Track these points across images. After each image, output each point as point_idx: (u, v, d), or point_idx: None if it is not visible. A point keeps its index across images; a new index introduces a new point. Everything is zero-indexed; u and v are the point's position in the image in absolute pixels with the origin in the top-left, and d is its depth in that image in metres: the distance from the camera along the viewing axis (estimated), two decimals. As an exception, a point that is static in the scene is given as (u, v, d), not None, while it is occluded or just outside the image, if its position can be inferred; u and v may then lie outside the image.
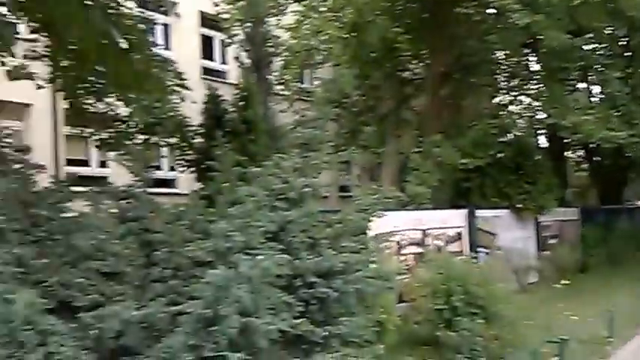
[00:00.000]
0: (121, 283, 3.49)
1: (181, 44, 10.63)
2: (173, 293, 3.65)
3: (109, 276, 3.45)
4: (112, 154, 6.63)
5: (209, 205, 4.46)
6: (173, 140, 7.35)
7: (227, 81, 11.36)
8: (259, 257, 2.83)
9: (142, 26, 4.13)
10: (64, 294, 3.15)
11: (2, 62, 3.15)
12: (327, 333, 3.26)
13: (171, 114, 6.59)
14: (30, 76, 3.40)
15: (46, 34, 4.43)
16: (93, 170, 10.24)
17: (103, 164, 12.32)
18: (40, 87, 4.15)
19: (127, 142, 5.86)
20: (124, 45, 3.34)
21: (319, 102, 8.68)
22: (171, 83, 5.34)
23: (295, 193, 3.63)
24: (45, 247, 3.32)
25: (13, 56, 3.25)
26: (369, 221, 3.92)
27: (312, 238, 3.60)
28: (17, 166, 3.32)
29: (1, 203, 2.88)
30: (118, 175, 5.69)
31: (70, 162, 10.09)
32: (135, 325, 3.13)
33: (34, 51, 4.00)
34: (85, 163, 12.07)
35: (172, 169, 10.48)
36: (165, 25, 10.16)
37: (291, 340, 3.16)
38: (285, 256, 3.08)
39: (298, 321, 3.12)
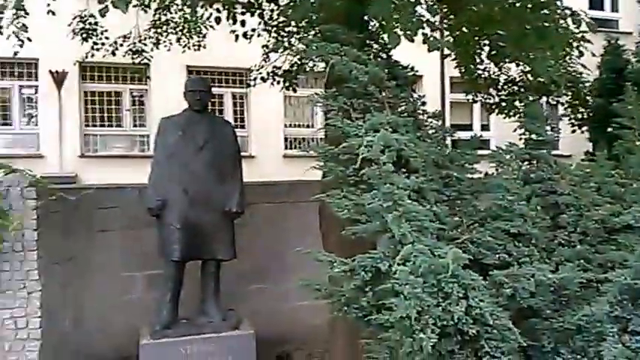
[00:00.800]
0: (527, 244, 3.47)
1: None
2: (580, 259, 3.48)
3: (515, 237, 3.47)
4: (499, 116, 6.69)
5: (615, 167, 4.11)
6: (564, 99, 6.98)
7: (618, 30, 10.20)
8: None
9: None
10: (474, 251, 3.27)
11: (424, 34, 3.45)
12: None
13: (564, 71, 6.25)
14: (439, 47, 3.64)
15: (443, 5, 4.70)
16: (476, 134, 10.60)
17: (484, 128, 12.60)
18: (445, 56, 4.44)
19: (518, 104, 5.82)
20: (529, 4, 3.26)
21: None
22: (571, 38, 5.04)
23: None
24: (455, 206, 3.54)
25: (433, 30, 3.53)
26: None
27: None
28: (431, 131, 3.63)
29: (422, 165, 3.15)
30: (500, 137, 5.73)
31: (454, 127, 10.66)
32: (546, 287, 3.08)
33: (442, 22, 4.30)
34: (468, 127, 12.53)
35: (552, 129, 10.09)
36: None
37: None
38: None
39: None
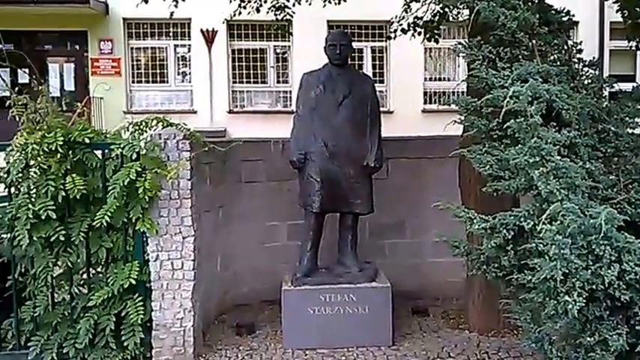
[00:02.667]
0: None
1: None
2: None
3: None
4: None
5: None
6: None
7: None
8: None
9: None
10: (631, 213, 2.99)
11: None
12: None
13: None
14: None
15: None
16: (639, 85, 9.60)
17: (650, 80, 11.36)
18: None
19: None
20: None
21: None
22: None
23: None
24: (612, 163, 3.24)
25: None
26: None
27: None
28: (587, 81, 3.32)
29: (575, 118, 2.91)
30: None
31: (613, 77, 9.73)
32: None
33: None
34: (630, 78, 11.40)
35: None
36: None
37: None
38: None
39: None
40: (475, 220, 2.98)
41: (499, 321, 4.60)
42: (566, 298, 2.48)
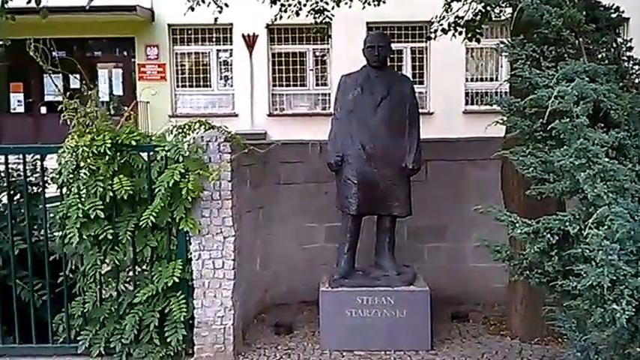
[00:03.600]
0: None
1: None
2: None
3: None
4: None
5: None
6: None
7: None
8: None
9: None
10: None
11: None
12: None
13: None
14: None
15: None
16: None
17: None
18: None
19: None
20: None
21: None
22: None
23: None
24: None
25: None
26: None
27: None
28: (638, 80, 3.22)
29: (624, 119, 2.81)
30: None
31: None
32: None
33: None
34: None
35: None
36: None
37: None
38: None
39: None
40: (517, 224, 2.92)
41: (542, 328, 4.48)
42: (614, 306, 2.40)
